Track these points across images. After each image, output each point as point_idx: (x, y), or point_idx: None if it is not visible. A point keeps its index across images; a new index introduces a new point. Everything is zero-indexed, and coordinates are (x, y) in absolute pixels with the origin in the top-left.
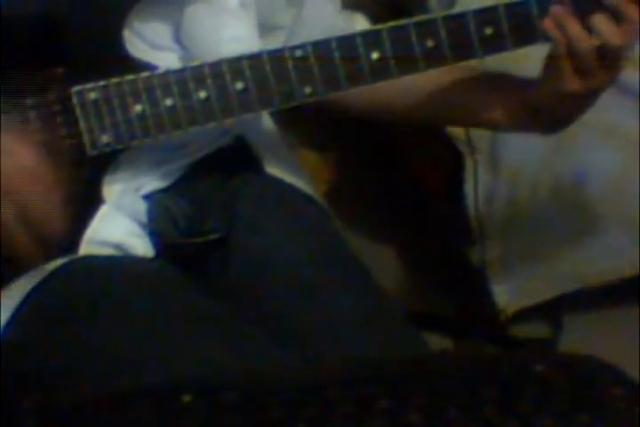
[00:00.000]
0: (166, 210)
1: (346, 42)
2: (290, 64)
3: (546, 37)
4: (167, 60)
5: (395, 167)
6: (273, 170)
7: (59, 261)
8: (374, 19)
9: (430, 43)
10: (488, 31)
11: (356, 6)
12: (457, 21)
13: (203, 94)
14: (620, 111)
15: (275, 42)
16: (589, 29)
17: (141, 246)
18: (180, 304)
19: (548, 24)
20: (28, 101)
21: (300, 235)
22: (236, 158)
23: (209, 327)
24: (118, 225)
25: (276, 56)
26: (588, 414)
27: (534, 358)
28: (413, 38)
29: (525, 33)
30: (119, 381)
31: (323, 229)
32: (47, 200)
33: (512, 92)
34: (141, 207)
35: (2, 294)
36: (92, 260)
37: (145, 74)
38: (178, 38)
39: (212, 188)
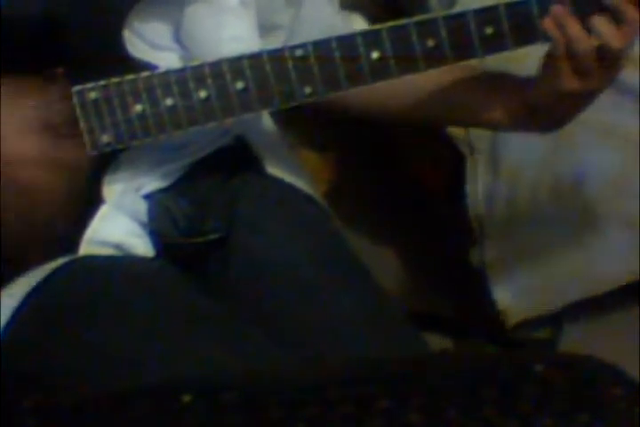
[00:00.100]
0: (166, 210)
1: (346, 41)
2: (290, 64)
3: (546, 37)
4: (167, 59)
5: (395, 167)
6: (273, 170)
7: (59, 261)
8: (374, 19)
9: (431, 42)
10: (488, 31)
11: (355, 6)
12: (457, 21)
13: (203, 94)
14: (619, 111)
15: (274, 42)
16: (589, 30)
17: (141, 246)
18: (180, 304)
19: (547, 24)
20: (28, 101)
21: (300, 235)
22: (236, 158)
23: (209, 327)
24: (118, 225)
25: (276, 56)
26: (588, 414)
27: (534, 358)
28: (414, 38)
29: (526, 32)
30: (119, 381)
31: (323, 229)
32: (48, 200)
33: (511, 91)
34: (142, 207)
35: (2, 294)
36: (92, 260)
37: (145, 74)
38: (178, 38)
39: (212, 188)
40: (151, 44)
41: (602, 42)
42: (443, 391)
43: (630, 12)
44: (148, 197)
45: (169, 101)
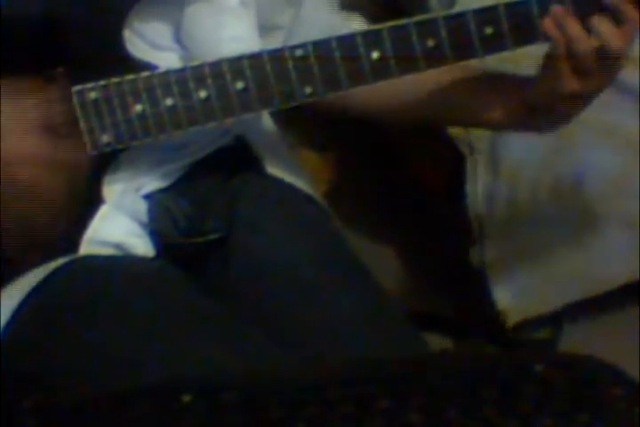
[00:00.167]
0: (166, 210)
1: (346, 41)
2: (290, 64)
3: (546, 37)
4: (167, 59)
5: (395, 167)
6: (273, 170)
7: (59, 261)
8: (374, 19)
9: (431, 42)
10: (488, 31)
11: (355, 6)
12: (457, 21)
13: (203, 94)
14: (619, 111)
15: (274, 42)
16: (589, 30)
17: (142, 246)
18: (180, 304)
19: (547, 24)
20: (28, 101)
21: (300, 235)
22: (236, 158)
23: (209, 327)
24: (119, 225)
25: (276, 56)
26: (588, 414)
27: (534, 358)
28: (414, 38)
29: (526, 32)
30: (119, 381)
31: (323, 229)
32: (48, 200)
33: (510, 91)
34: (142, 207)
35: (2, 294)
36: (92, 260)
37: (145, 73)
38: (178, 38)
39: (212, 188)
40: (151, 44)
41: (602, 42)
42: (443, 391)
43: (630, 11)
44: (148, 197)
45: (169, 101)
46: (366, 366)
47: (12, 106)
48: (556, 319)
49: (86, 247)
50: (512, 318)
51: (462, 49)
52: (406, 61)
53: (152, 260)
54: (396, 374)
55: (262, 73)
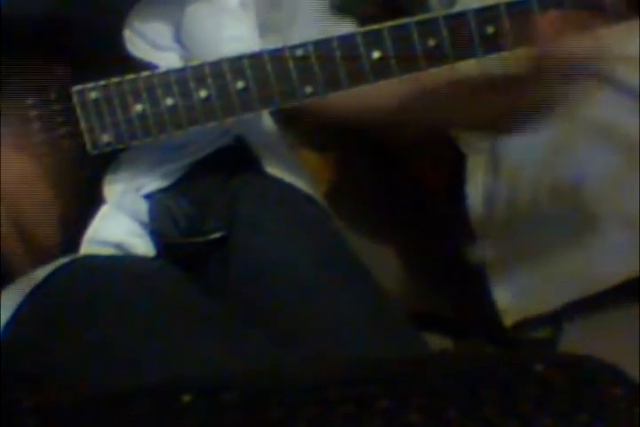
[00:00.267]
0: (167, 210)
1: (347, 41)
2: (291, 63)
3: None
4: (168, 59)
5: (395, 167)
6: (273, 170)
7: (59, 261)
8: (373, 18)
9: (431, 42)
10: (490, 30)
11: (355, 6)
12: (458, 20)
13: (203, 94)
14: (619, 111)
15: (274, 42)
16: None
17: (142, 246)
18: (180, 304)
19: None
20: (28, 101)
21: (300, 235)
22: (236, 158)
23: (209, 327)
24: (119, 225)
25: (276, 55)
26: (588, 414)
27: (534, 358)
28: (415, 37)
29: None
30: (119, 381)
31: (323, 229)
32: (44, 208)
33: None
34: (142, 207)
35: (2, 294)
36: (92, 259)
37: (145, 73)
38: (178, 38)
39: (212, 188)
40: (152, 43)
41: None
42: (443, 391)
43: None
44: (148, 196)
45: (169, 101)
46: (366, 366)
47: (11, 106)
48: (555, 319)
49: (86, 247)
50: (512, 318)
51: (463, 48)
52: (407, 61)
53: (152, 260)
54: (396, 374)
55: (263, 73)
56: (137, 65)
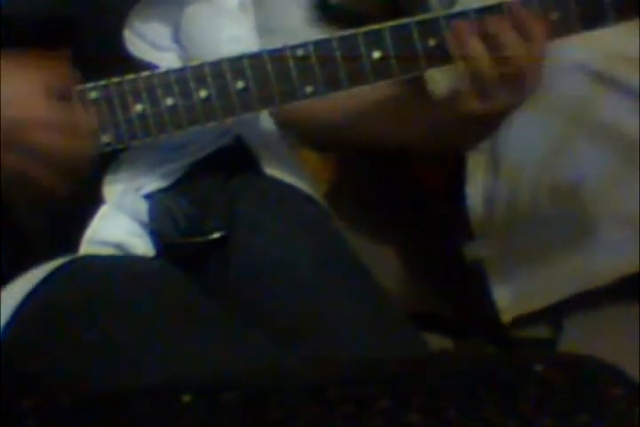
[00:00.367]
0: (167, 210)
1: (347, 41)
2: (291, 63)
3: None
4: (168, 59)
5: (395, 167)
6: (273, 170)
7: (59, 261)
8: (373, 18)
9: (432, 42)
10: None
11: (355, 6)
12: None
13: (203, 94)
14: (619, 111)
15: (273, 43)
16: (498, 46)
17: (142, 246)
18: (180, 304)
19: (450, 40)
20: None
21: (300, 235)
22: (236, 158)
23: (209, 327)
24: (119, 225)
25: (276, 55)
26: (588, 414)
27: (534, 358)
28: (415, 37)
29: None
30: (119, 381)
31: (323, 229)
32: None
33: (423, 111)
34: (142, 207)
35: (2, 294)
36: (92, 259)
37: (145, 73)
38: (177, 38)
39: (212, 188)
40: (152, 44)
41: (506, 55)
42: (443, 391)
43: (536, 28)
44: (148, 196)
45: (169, 101)
46: (366, 366)
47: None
48: (556, 319)
49: (86, 247)
50: (511, 318)
51: None
52: (407, 61)
53: (152, 260)
54: (396, 374)
55: (263, 72)
56: (137, 65)
